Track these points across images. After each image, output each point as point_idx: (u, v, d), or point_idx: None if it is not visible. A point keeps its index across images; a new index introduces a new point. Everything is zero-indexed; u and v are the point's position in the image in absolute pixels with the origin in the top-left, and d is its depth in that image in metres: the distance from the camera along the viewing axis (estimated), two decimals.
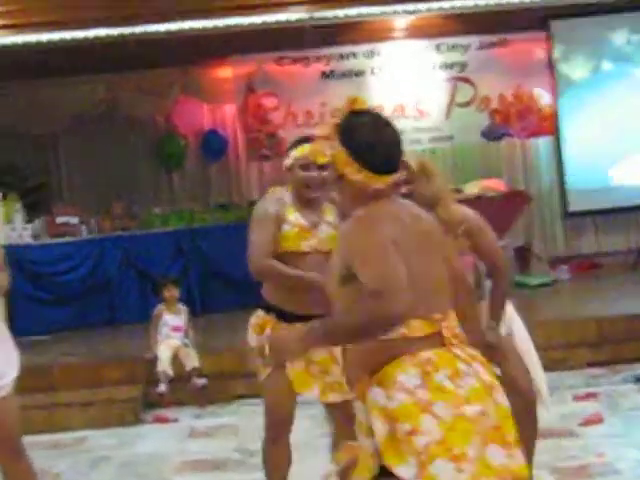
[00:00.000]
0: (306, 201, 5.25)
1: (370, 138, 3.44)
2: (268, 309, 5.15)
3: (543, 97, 13.56)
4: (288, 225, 5.17)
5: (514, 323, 5.38)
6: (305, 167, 5.18)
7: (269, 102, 13.44)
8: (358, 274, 3.25)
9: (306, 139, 5.26)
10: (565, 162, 13.39)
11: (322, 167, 5.12)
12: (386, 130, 3.52)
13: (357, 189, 3.45)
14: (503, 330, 5.17)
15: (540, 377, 5.34)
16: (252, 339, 5.16)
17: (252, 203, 12.48)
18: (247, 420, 7.40)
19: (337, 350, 4.90)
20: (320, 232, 5.24)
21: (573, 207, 13.45)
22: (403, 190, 4.69)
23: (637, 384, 8.13)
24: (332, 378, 5.16)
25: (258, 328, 5.15)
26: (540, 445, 6.05)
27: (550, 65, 13.54)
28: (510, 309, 5.43)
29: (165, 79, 13.18)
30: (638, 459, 6.15)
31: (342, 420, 5.23)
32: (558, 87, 13.48)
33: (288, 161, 5.24)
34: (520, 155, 13.65)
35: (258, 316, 5.18)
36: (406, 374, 3.24)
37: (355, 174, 3.41)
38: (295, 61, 13.40)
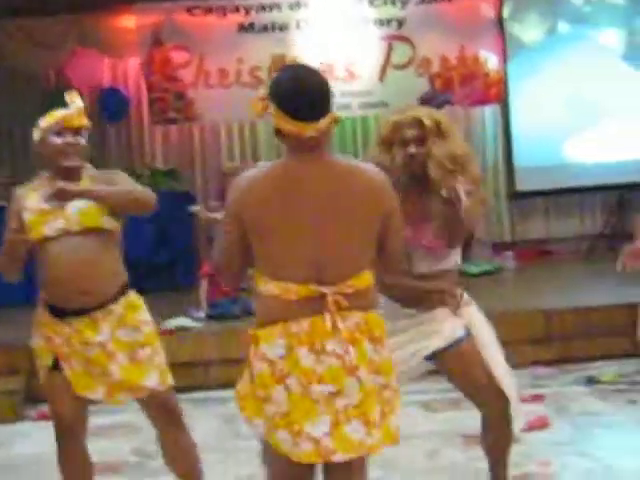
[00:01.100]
0: (64, 174, 5.24)
1: (291, 88, 3.99)
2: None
3: (490, 61, 13.70)
4: (28, 212, 5.19)
5: (474, 327, 5.38)
6: (59, 134, 5.22)
7: (178, 57, 13.45)
8: None
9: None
10: (513, 135, 13.56)
11: (78, 132, 5.24)
12: (308, 79, 4.03)
13: (294, 140, 4.02)
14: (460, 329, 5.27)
15: (507, 379, 5.43)
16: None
17: (155, 171, 12.50)
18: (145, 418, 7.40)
19: (112, 347, 5.15)
20: (69, 209, 5.21)
21: (521, 186, 13.60)
22: (412, 150, 5.00)
23: (588, 386, 8.24)
24: (114, 378, 5.22)
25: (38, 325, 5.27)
26: (473, 452, 6.14)
27: (499, 25, 13.65)
28: (471, 311, 5.42)
29: (58, 28, 13.09)
30: (587, 469, 6.23)
31: (161, 422, 5.44)
32: (507, 50, 13.60)
33: (36, 133, 5.25)
34: (463, 125, 13.63)
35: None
36: (270, 345, 3.90)
37: (285, 124, 3.98)
38: (209, 11, 13.39)
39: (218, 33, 13.36)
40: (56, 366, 5.18)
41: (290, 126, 3.96)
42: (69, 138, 5.24)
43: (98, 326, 5.20)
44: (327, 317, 3.88)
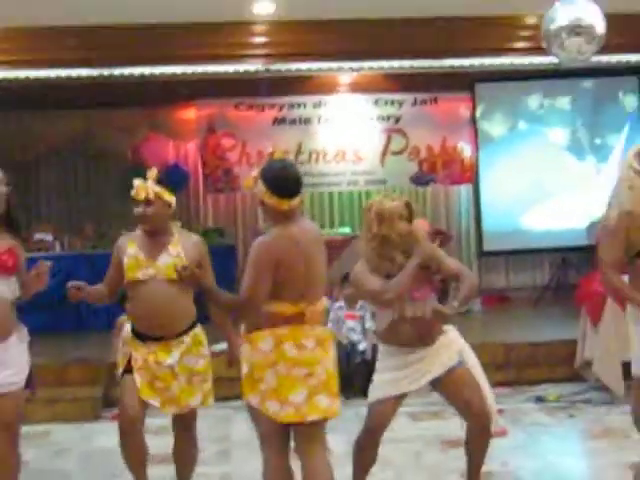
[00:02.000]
0: (148, 235, 5.36)
1: (278, 173, 4.56)
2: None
3: (465, 150, 13.67)
4: (126, 257, 5.29)
5: (465, 353, 5.49)
6: (135, 204, 5.31)
7: (227, 142, 13.41)
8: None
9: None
10: (482, 207, 13.51)
11: (148, 203, 5.27)
12: (289, 169, 4.64)
13: (272, 210, 4.55)
14: (456, 360, 5.35)
15: (490, 399, 5.50)
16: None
17: (207, 230, 12.51)
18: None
19: (177, 369, 5.29)
20: (160, 262, 5.27)
21: (487, 247, 13.57)
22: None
23: (537, 403, 8.22)
24: (171, 394, 5.28)
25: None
26: (452, 453, 6.11)
27: (473, 122, 13.65)
28: (460, 341, 5.53)
29: (135, 117, 13.13)
30: (536, 468, 6.25)
31: (180, 428, 5.58)
32: (479, 142, 13.59)
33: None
34: (443, 199, 13.75)
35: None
36: (263, 342, 4.48)
37: (268, 199, 4.50)
38: (251, 107, 13.40)
39: (257, 124, 13.37)
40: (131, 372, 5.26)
41: (271, 200, 4.50)
42: (139, 208, 5.29)
43: (170, 351, 5.26)
44: (307, 326, 4.54)
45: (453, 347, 5.41)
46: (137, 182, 5.34)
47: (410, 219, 5.23)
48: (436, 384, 5.30)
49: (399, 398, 5.29)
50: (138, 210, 5.31)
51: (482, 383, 5.50)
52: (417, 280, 5.15)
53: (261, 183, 4.53)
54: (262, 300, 4.43)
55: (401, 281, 5.05)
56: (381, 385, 5.29)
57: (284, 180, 4.53)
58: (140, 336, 5.28)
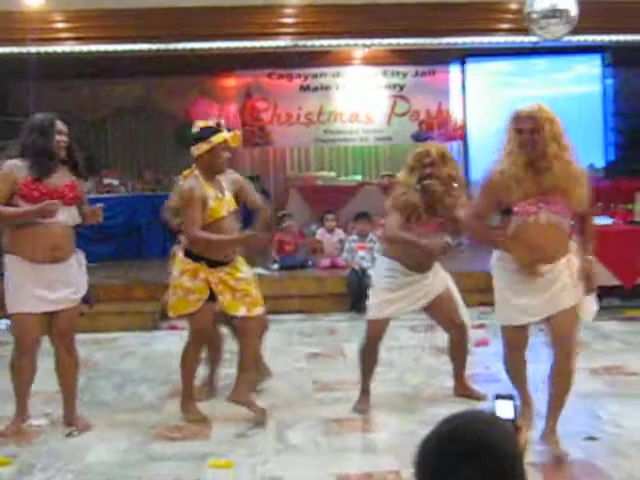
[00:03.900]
0: (212, 176, 5.16)
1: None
2: (197, 258, 5.09)
3: (457, 113, 13.58)
4: (210, 199, 5.07)
5: (446, 279, 5.51)
6: (224, 149, 5.15)
7: (261, 105, 13.37)
8: None
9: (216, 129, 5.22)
10: (470, 160, 13.40)
11: (227, 148, 5.20)
12: None
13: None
14: (443, 287, 5.43)
15: (465, 313, 5.53)
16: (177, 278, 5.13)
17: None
18: None
19: (250, 278, 5.25)
20: (227, 197, 5.21)
21: (474, 193, 13.48)
22: (427, 171, 5.14)
23: None
24: (251, 298, 5.17)
25: (191, 272, 5.09)
26: (444, 358, 6.13)
27: (463, 90, 13.54)
28: (442, 271, 5.53)
29: (186, 84, 13.06)
30: None
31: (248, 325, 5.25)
32: (467, 106, 13.49)
33: (205, 146, 5.09)
34: None
35: (185, 262, 5.12)
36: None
37: None
38: (281, 76, 13.31)
39: (286, 90, 13.30)
40: (210, 298, 5.11)
41: None
42: (226, 153, 5.20)
43: (238, 268, 5.17)
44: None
45: (440, 275, 5.44)
46: (226, 132, 5.20)
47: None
48: (426, 306, 5.42)
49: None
50: (226, 154, 5.21)
51: (459, 300, 5.55)
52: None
53: None
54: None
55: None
56: (380, 305, 5.27)
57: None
58: (211, 263, 5.08)
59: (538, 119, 4.20)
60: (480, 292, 8.81)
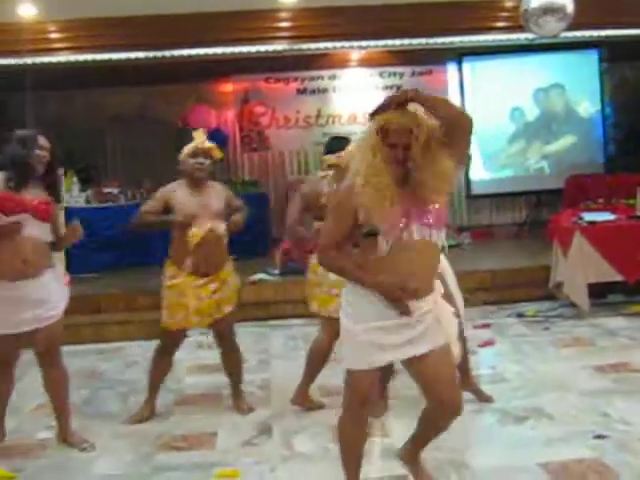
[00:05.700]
0: (195, 185, 5.46)
1: None
2: None
3: None
4: (178, 203, 5.48)
5: (447, 274, 5.25)
6: (195, 155, 5.37)
7: (259, 109, 13.31)
8: None
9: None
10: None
11: (206, 156, 5.46)
12: None
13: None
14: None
15: (461, 310, 5.35)
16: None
17: (244, 182, 12.52)
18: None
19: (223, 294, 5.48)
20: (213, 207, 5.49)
21: (475, 192, 13.49)
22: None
23: (518, 318, 8.18)
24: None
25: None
26: None
27: (460, 89, 13.50)
28: (445, 264, 5.29)
29: (183, 91, 13.03)
30: (519, 371, 6.21)
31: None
32: (465, 105, 13.40)
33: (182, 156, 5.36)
34: None
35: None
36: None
37: None
38: (278, 80, 13.27)
39: (284, 94, 13.26)
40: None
41: None
42: (200, 159, 5.25)
43: (215, 282, 5.39)
44: None
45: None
46: (199, 136, 5.29)
47: None
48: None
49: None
50: (199, 160, 5.26)
51: (459, 303, 5.30)
52: None
53: None
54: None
55: None
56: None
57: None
58: (198, 274, 5.40)
59: (414, 135, 3.46)
60: (484, 291, 8.89)
